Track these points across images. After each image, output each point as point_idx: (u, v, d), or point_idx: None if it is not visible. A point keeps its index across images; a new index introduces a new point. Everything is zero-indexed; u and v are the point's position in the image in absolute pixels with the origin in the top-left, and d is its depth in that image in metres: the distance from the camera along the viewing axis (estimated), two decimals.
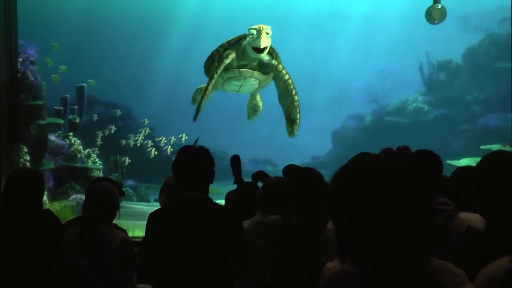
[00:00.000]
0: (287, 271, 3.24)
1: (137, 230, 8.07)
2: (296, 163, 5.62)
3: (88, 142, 10.33)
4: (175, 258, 3.05)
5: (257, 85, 7.45)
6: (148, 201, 10.98)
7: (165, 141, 10.96)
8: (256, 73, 7.17)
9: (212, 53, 7.31)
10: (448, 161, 9.78)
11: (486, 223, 2.58)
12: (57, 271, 3.40)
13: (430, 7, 7.16)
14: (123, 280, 3.44)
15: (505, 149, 8.28)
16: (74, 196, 9.20)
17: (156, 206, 4.23)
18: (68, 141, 9.86)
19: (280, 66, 7.07)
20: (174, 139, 10.94)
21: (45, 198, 8.70)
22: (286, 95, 7.14)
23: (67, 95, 10.31)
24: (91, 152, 10.21)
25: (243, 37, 7.04)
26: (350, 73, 12.86)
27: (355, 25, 12.45)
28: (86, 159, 10.07)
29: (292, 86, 7.06)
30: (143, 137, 11.17)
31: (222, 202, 4.69)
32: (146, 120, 11.45)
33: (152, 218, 3.21)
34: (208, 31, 11.91)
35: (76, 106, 10.49)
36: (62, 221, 3.92)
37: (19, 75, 7.60)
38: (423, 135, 11.52)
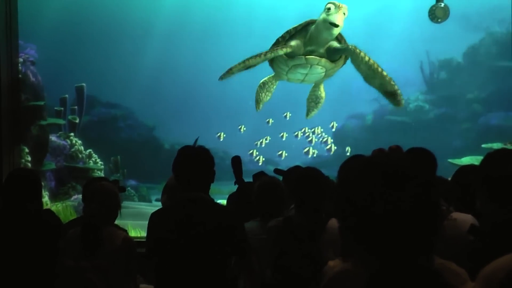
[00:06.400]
0: (288, 269, 3.24)
1: (138, 230, 8.09)
2: (297, 162, 5.65)
3: (89, 142, 10.33)
4: (176, 257, 3.04)
5: (324, 74, 7.09)
6: (150, 201, 10.99)
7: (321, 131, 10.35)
8: (323, 60, 6.81)
9: (277, 39, 6.92)
10: (450, 160, 9.79)
11: (480, 223, 2.58)
12: (58, 271, 3.39)
13: (433, 6, 7.04)
14: (125, 280, 3.43)
15: (507, 147, 8.27)
16: (75, 196, 9.20)
17: (157, 206, 4.23)
18: (69, 142, 9.87)
19: (357, 49, 6.66)
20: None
21: (46, 198, 8.72)
22: (372, 75, 6.75)
23: (66, 95, 10.30)
24: (92, 152, 10.22)
25: (311, 22, 6.73)
26: (351, 72, 12.83)
27: (356, 25, 12.42)
28: (87, 160, 10.07)
29: (375, 65, 6.63)
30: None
31: (223, 201, 4.70)
32: (242, 126, 10.59)
33: (153, 218, 3.21)
34: (210, 32, 11.91)
35: (76, 107, 10.49)
36: (63, 222, 3.91)
37: (20, 75, 7.60)
38: (424, 134, 11.53)
